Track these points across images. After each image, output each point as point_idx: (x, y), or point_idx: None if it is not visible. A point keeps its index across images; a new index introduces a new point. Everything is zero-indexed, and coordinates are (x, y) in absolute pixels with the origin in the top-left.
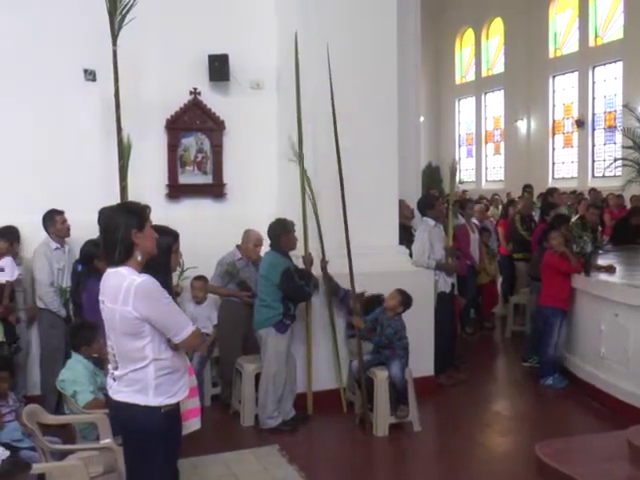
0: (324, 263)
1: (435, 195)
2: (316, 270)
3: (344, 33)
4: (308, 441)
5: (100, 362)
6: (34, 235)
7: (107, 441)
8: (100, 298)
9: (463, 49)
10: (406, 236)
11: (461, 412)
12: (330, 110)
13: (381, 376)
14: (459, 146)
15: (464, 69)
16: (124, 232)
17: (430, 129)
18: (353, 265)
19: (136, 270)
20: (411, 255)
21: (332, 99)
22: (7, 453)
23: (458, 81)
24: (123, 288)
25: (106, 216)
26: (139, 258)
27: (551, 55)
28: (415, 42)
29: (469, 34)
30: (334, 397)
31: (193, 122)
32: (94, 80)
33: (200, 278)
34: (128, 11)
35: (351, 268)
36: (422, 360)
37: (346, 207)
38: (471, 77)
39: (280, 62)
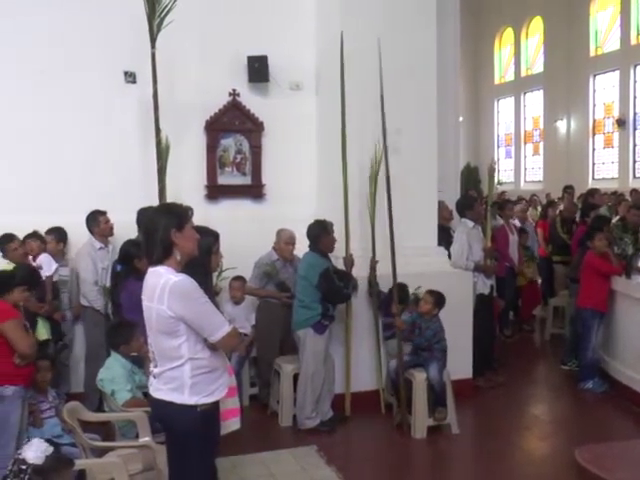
0: (374, 263)
1: (474, 196)
2: (357, 271)
3: (384, 34)
4: (346, 442)
5: (139, 360)
6: (78, 235)
7: (146, 439)
8: (142, 296)
9: (502, 49)
10: (445, 237)
11: (499, 415)
12: (368, 110)
13: (419, 378)
14: (498, 147)
15: (503, 69)
16: (163, 232)
17: (469, 129)
18: (389, 266)
19: (174, 270)
20: (450, 256)
21: (382, 101)
22: (51, 449)
23: (497, 81)
24: (159, 287)
25: (147, 216)
26: (178, 258)
27: (592, 54)
28: (454, 42)
29: (508, 33)
30: (372, 398)
31: (232, 123)
32: (134, 82)
33: (238, 278)
34: (166, 14)
35: (394, 268)
36: (460, 362)
37: (391, 208)
38: (510, 77)
39: (319, 63)
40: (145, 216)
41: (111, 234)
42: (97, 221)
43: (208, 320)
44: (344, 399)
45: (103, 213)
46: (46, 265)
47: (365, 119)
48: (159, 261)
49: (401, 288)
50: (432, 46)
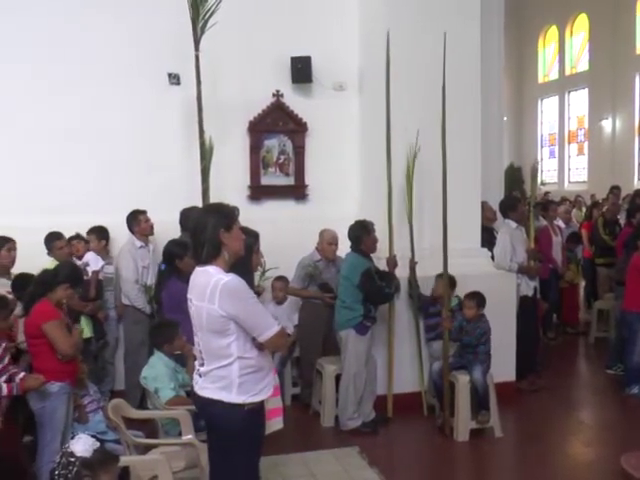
0: (413, 264)
1: (517, 197)
2: (399, 272)
3: (427, 34)
4: (388, 444)
5: (182, 359)
6: (124, 235)
7: (189, 437)
8: (188, 296)
9: (546, 47)
10: (488, 238)
11: (543, 419)
12: (411, 110)
13: (463, 380)
14: (541, 147)
15: (547, 67)
16: (212, 231)
17: (512, 129)
18: (433, 267)
19: (223, 269)
20: (493, 258)
21: (444, 102)
22: (98, 444)
23: (541, 80)
24: (210, 286)
25: (195, 216)
26: (226, 257)
27: (638, 51)
28: (499, 40)
29: (552, 31)
30: (414, 400)
31: (276, 124)
32: (178, 84)
33: (281, 279)
34: (210, 16)
35: (446, 268)
36: (503, 365)
37: (445, 209)
38: (554, 75)
39: (363, 63)
40: (193, 216)
41: (151, 233)
42: (137, 220)
43: (258, 320)
44: (386, 400)
45: (143, 212)
46: (93, 261)
47: (408, 119)
48: (207, 261)
49: (449, 279)
50: (476, 45)
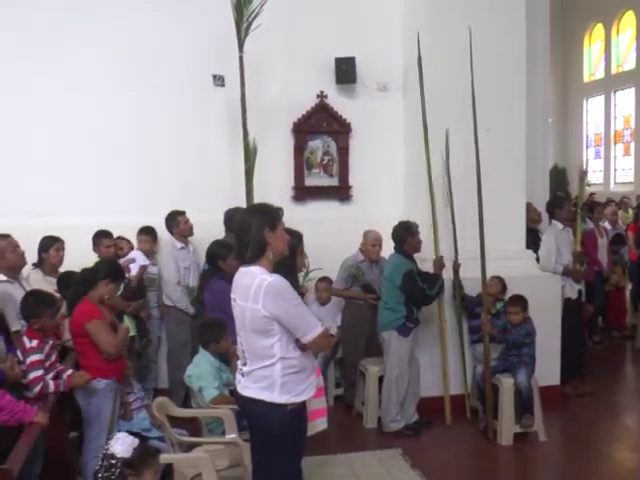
0: (457, 266)
1: (564, 197)
2: (446, 273)
3: (472, 33)
4: (431, 446)
5: (226, 359)
6: (167, 235)
7: (233, 436)
8: (232, 296)
9: (592, 45)
10: (533, 240)
11: (588, 424)
12: (455, 110)
13: (507, 383)
14: (587, 147)
15: (593, 66)
16: (256, 231)
17: (557, 130)
18: (476, 268)
19: (267, 269)
20: (538, 259)
21: (474, 103)
22: (137, 441)
23: (586, 79)
24: (254, 286)
25: (240, 216)
26: (270, 257)
27: None
28: (544, 40)
29: (598, 29)
30: (458, 403)
31: (320, 125)
32: (223, 85)
33: (324, 279)
34: (254, 18)
35: (484, 271)
36: (548, 368)
37: (482, 209)
38: (600, 74)
39: (407, 63)
40: (238, 216)
41: (191, 234)
42: (176, 221)
43: (302, 320)
44: (430, 403)
45: (182, 213)
46: (139, 258)
47: (452, 119)
48: (252, 261)
49: (500, 280)
50: (521, 45)
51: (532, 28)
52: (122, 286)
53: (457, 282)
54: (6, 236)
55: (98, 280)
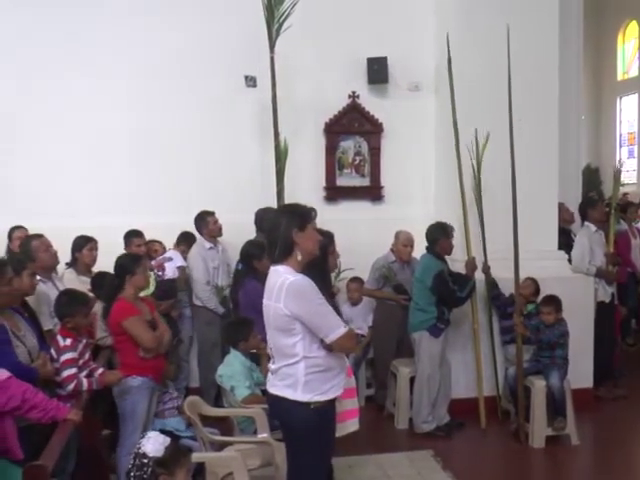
0: (486, 268)
1: (596, 198)
2: (480, 274)
3: (504, 31)
4: (462, 448)
5: (257, 358)
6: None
7: (264, 435)
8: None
9: (626, 43)
10: (565, 240)
11: (621, 427)
12: (488, 110)
13: (539, 385)
14: (620, 146)
15: (627, 64)
16: (285, 231)
17: (590, 128)
18: (508, 269)
19: (294, 269)
20: (570, 260)
21: (509, 102)
22: (169, 440)
23: (620, 77)
24: (277, 285)
25: (271, 216)
26: (299, 258)
27: None
28: (577, 37)
29: (632, 27)
30: (489, 404)
31: (351, 125)
32: (254, 86)
33: (356, 280)
34: (285, 19)
35: (517, 272)
36: (580, 371)
37: (514, 210)
38: (634, 72)
39: (438, 63)
40: (268, 216)
41: (220, 234)
42: (205, 222)
43: (323, 321)
44: (461, 404)
45: (211, 213)
46: (176, 258)
47: (484, 118)
48: (280, 260)
49: (533, 281)
50: (554, 43)
51: (565, 26)
52: (155, 285)
53: (488, 283)
54: (39, 236)
55: (126, 276)
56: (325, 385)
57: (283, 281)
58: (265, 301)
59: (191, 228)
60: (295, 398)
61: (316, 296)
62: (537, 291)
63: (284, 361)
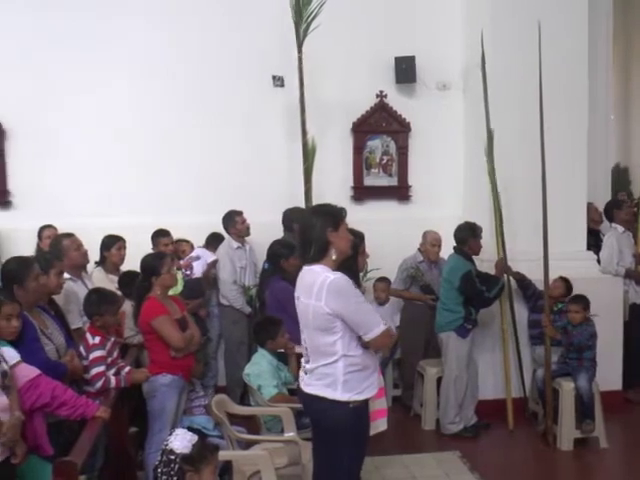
0: (506, 267)
1: (623, 199)
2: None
3: (532, 31)
4: (489, 450)
5: (284, 357)
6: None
7: (291, 434)
8: (295, 294)
9: None
10: (594, 241)
11: None
12: (516, 109)
13: (567, 387)
14: None
15: None
16: (320, 231)
17: (619, 128)
18: (538, 270)
19: (330, 268)
20: (599, 261)
21: (541, 101)
22: (196, 437)
23: None
24: (317, 284)
25: (304, 216)
26: (334, 257)
27: None
28: (607, 36)
29: None
30: (517, 406)
31: (379, 125)
32: (282, 86)
33: (383, 280)
34: (313, 19)
35: (547, 273)
36: (609, 373)
37: (544, 210)
38: None
39: (467, 62)
40: (300, 216)
41: (247, 234)
42: (233, 221)
43: (364, 318)
44: (488, 406)
45: (239, 213)
46: (205, 255)
47: (513, 118)
48: (315, 260)
49: (565, 281)
50: (583, 41)
51: (595, 24)
52: (182, 284)
53: (519, 283)
54: (70, 235)
55: (150, 279)
56: (363, 384)
57: (323, 280)
58: (302, 300)
59: (218, 228)
60: (334, 397)
61: (356, 293)
62: (568, 291)
63: (322, 360)
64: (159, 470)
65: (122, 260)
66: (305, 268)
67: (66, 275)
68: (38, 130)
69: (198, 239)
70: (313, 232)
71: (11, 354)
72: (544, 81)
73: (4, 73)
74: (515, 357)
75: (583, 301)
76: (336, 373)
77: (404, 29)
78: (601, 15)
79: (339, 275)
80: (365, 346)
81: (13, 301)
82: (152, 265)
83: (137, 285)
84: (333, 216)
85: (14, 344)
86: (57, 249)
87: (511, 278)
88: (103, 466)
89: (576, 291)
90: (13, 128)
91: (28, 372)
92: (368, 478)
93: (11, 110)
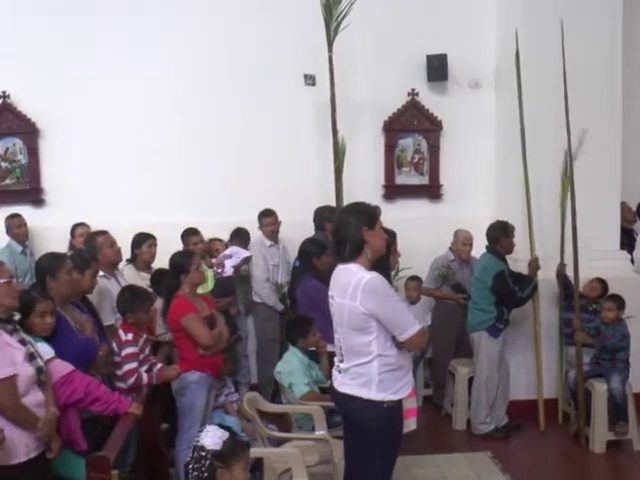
0: (535, 264)
1: None
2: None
3: (566, 31)
4: (521, 451)
5: (315, 356)
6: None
7: (322, 433)
8: (330, 293)
9: None
10: (627, 241)
11: None
12: (550, 108)
13: (600, 389)
14: None
15: None
16: (355, 230)
17: None
18: (569, 269)
19: (365, 267)
20: (632, 261)
21: (566, 98)
22: (227, 434)
23: None
24: (352, 284)
25: (338, 214)
26: (369, 256)
27: None
28: None
29: None
30: (549, 407)
31: (411, 123)
32: (314, 84)
33: (414, 279)
34: (343, 17)
35: (577, 272)
36: None
37: (574, 209)
38: None
39: (500, 60)
40: (335, 215)
41: (274, 237)
42: (261, 222)
43: (399, 318)
44: (520, 406)
45: (268, 214)
46: (239, 252)
47: (547, 116)
48: (350, 258)
49: (601, 283)
50: (618, 40)
51: (629, 21)
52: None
53: (561, 282)
54: (103, 232)
55: (179, 277)
56: (397, 384)
57: (359, 279)
58: (337, 300)
59: (249, 226)
60: (369, 397)
61: (391, 293)
62: (605, 293)
63: (356, 360)
64: (190, 466)
65: (153, 258)
66: (340, 267)
67: (99, 272)
68: (71, 129)
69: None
70: (348, 230)
71: (45, 350)
72: (578, 79)
73: (38, 74)
74: (550, 357)
75: (618, 300)
76: (371, 373)
77: (435, 27)
78: (636, 10)
79: (375, 275)
80: (399, 346)
81: (46, 298)
82: (181, 263)
83: (166, 283)
84: (368, 214)
85: (48, 340)
86: (91, 247)
87: (541, 277)
88: (135, 462)
89: (609, 291)
90: (47, 127)
91: (62, 368)
92: (398, 477)
93: (45, 110)
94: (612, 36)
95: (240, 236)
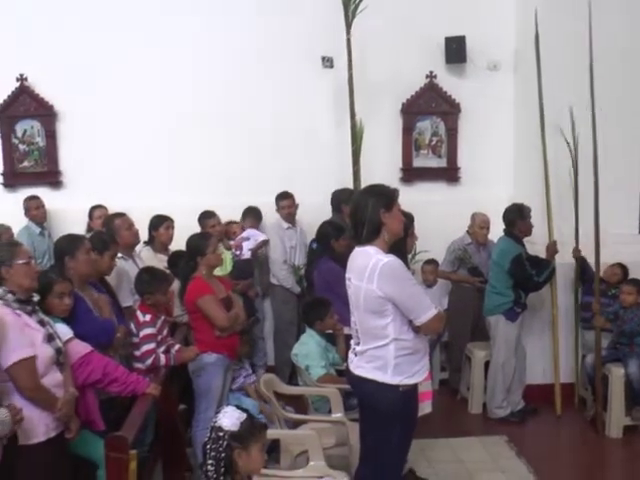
0: (553, 248)
1: None
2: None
3: (586, 7)
4: (537, 435)
5: (332, 338)
6: (268, 216)
7: (339, 415)
8: (347, 275)
9: None
10: None
11: None
12: (572, 90)
13: (617, 374)
14: None
15: None
16: (372, 212)
17: None
18: (589, 254)
19: (383, 250)
20: None
21: (591, 80)
22: (245, 415)
23: None
24: (369, 267)
25: (356, 196)
26: (386, 238)
27: None
28: None
29: None
30: (566, 391)
31: (429, 105)
32: (332, 67)
33: (431, 262)
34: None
35: (598, 257)
36: None
37: (597, 193)
38: None
39: (519, 42)
40: (353, 197)
41: (290, 219)
42: (278, 204)
43: (416, 302)
44: (536, 390)
45: (286, 197)
46: (256, 234)
47: (567, 99)
48: (368, 241)
49: (622, 268)
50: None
51: None
52: (233, 264)
53: (580, 262)
54: (121, 214)
55: (196, 259)
56: (414, 367)
57: (376, 262)
58: (354, 282)
59: (266, 209)
60: (384, 380)
61: (408, 277)
62: (625, 278)
63: (373, 343)
64: (208, 447)
65: (170, 240)
66: (357, 249)
67: (118, 254)
68: (89, 112)
69: None
70: (365, 212)
71: (64, 330)
72: (599, 61)
73: (57, 57)
74: (568, 342)
75: (638, 284)
76: (387, 356)
77: (454, 8)
78: None
79: (392, 258)
80: (416, 330)
81: (65, 279)
82: (198, 245)
83: (183, 265)
84: (386, 196)
85: (66, 321)
86: (109, 229)
87: (558, 261)
88: (153, 442)
89: (629, 276)
90: (65, 110)
91: (80, 348)
92: (414, 460)
93: (63, 93)
94: (634, 16)
95: (252, 214)
